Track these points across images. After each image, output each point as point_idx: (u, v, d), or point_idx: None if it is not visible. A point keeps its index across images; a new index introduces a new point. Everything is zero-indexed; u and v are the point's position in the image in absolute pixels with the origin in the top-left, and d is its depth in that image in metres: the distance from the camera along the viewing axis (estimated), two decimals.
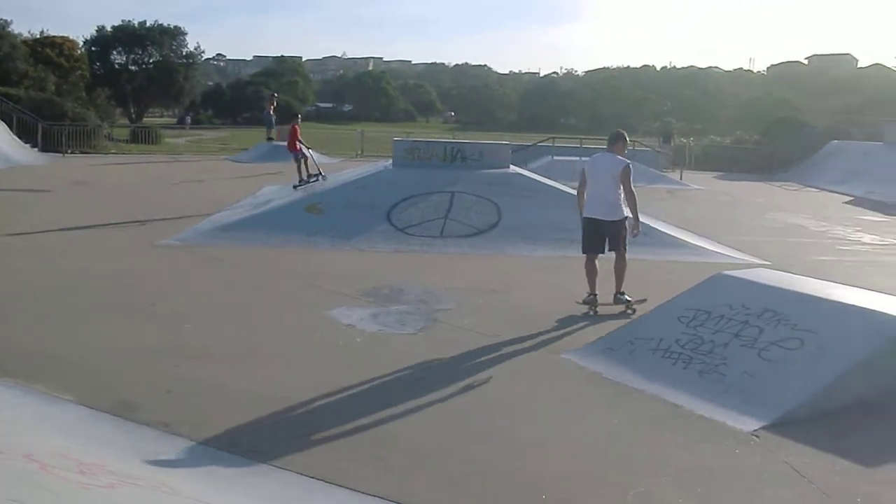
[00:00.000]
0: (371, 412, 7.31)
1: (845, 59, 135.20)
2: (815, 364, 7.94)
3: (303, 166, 21.94)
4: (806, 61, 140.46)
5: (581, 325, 10.40)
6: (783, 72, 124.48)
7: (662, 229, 17.45)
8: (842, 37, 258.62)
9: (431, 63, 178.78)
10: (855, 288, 10.23)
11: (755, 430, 7.19)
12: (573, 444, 6.91)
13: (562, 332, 10.17)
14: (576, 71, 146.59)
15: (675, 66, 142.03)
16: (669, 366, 8.51)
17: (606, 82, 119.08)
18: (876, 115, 47.85)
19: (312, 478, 6.05)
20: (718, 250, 16.41)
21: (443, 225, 16.50)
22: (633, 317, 10.55)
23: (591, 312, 11.02)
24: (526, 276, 13.66)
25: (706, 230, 18.69)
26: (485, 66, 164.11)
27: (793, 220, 23.27)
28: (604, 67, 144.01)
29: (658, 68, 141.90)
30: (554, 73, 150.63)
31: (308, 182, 21.44)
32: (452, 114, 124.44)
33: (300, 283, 12.43)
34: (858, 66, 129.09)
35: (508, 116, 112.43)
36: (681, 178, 34.51)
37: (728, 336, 8.58)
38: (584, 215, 11.28)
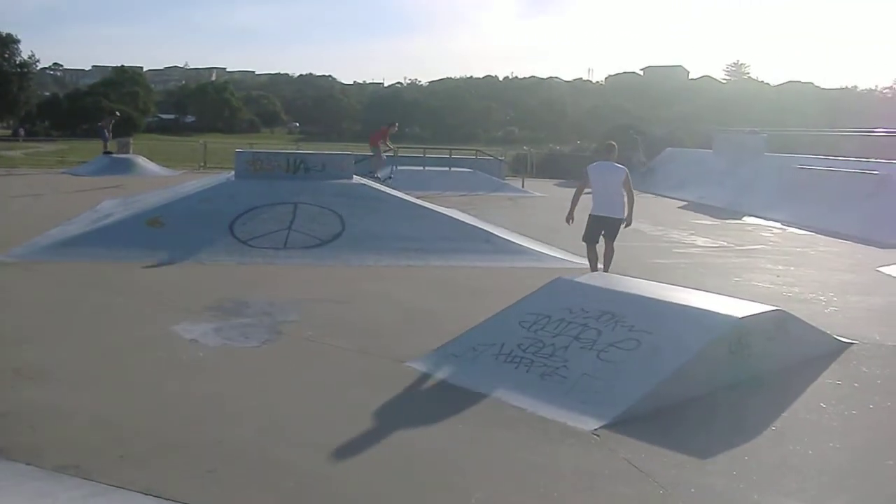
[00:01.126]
0: (214, 428, 7.19)
1: (678, 71, 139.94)
2: (651, 363, 8.23)
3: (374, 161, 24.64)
4: (641, 72, 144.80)
5: (425, 333, 10.46)
6: (620, 82, 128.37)
7: (504, 236, 17.74)
8: (674, 49, 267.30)
9: (275, 73, 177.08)
10: (688, 289, 10.67)
11: (595, 430, 7.37)
12: (417, 451, 6.93)
13: (406, 340, 10.18)
14: (420, 81, 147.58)
15: (517, 77, 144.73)
16: (512, 370, 8.65)
17: (450, 92, 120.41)
18: (706, 124, 49.72)
19: (156, 496, 5.92)
20: (558, 255, 16.74)
21: (286, 236, 16.34)
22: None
23: None
24: (370, 286, 13.66)
25: (547, 236, 19.03)
26: (329, 76, 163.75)
27: (631, 225, 23.89)
28: (448, 78, 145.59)
29: (501, 78, 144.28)
30: (398, 83, 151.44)
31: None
32: (297, 124, 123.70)
33: (142, 299, 12.12)
34: (690, 77, 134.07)
35: (353, 127, 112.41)
36: (523, 186, 35.05)
37: (568, 339, 8.79)
38: (592, 213, 13.38)
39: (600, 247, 13.43)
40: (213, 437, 6.99)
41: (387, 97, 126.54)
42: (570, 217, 13.67)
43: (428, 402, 8.17)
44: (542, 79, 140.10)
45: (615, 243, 13.41)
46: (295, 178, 18.27)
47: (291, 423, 7.45)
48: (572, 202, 13.68)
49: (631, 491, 6.34)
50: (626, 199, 13.27)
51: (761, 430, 7.62)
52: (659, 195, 34.34)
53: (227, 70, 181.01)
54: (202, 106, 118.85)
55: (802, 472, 6.75)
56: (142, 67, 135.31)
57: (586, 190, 13.56)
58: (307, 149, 37.14)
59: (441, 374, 8.85)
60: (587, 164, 14.12)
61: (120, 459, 6.49)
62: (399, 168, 32.45)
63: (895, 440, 7.64)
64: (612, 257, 13.37)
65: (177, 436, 6.99)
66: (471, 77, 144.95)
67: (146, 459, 6.52)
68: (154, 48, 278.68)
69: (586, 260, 13.66)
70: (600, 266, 13.34)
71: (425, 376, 8.87)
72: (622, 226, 13.32)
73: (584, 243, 13.64)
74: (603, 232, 13.36)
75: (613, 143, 14.27)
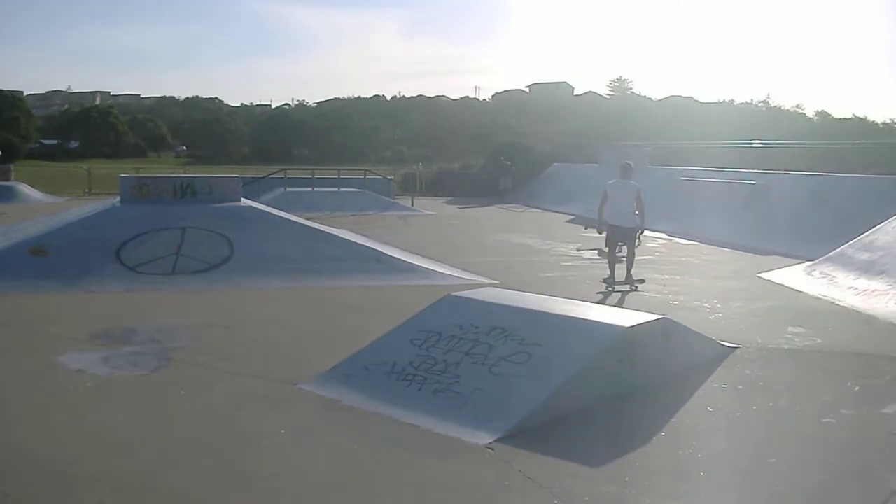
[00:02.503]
0: (103, 459, 7.04)
1: (562, 87, 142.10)
2: (542, 375, 8.33)
3: None
4: (527, 89, 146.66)
5: (317, 354, 10.40)
6: (506, 99, 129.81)
7: (395, 255, 17.78)
8: (559, 67, 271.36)
9: (161, 96, 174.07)
10: (577, 301, 10.85)
11: (490, 443, 7.41)
12: (311, 472, 6.90)
13: (298, 362, 10.11)
14: (307, 102, 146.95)
15: (404, 96, 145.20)
16: (405, 388, 8.66)
17: (338, 113, 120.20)
18: (591, 139, 50.63)
19: None
20: (449, 272, 16.85)
21: (175, 261, 16.09)
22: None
23: (611, 290, 15.52)
24: (260, 309, 13.55)
25: (437, 254, 19.16)
26: (216, 98, 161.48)
27: (519, 240, 24.25)
28: (335, 98, 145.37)
29: (388, 98, 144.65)
30: (286, 104, 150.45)
31: None
32: (185, 148, 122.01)
33: (26, 331, 11.79)
34: (574, 93, 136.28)
35: (241, 149, 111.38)
36: (412, 205, 35.22)
37: (459, 355, 8.84)
38: (610, 223, 15.80)
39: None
40: (103, 468, 6.84)
41: (275, 119, 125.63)
42: (600, 227, 16.13)
43: (321, 424, 8.13)
44: (430, 97, 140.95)
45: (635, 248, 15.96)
46: (182, 202, 18.01)
47: (183, 451, 7.33)
48: (599, 215, 16.12)
49: (526, 502, 6.41)
50: (639, 211, 15.75)
51: (651, 437, 7.77)
52: (546, 210, 34.87)
53: (112, 94, 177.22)
54: (86, 131, 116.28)
55: (692, 476, 6.92)
56: (22, 92, 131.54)
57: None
58: (195, 172, 36.83)
59: (334, 395, 8.81)
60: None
61: (5, 498, 6.31)
62: (288, 189, 32.32)
63: (779, 439, 7.87)
64: (632, 261, 15.83)
65: (64, 469, 6.83)
66: (358, 97, 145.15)
67: (33, 496, 6.36)
68: (34, 72, 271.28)
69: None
70: (619, 276, 15.74)
71: (318, 398, 8.83)
72: (638, 233, 15.93)
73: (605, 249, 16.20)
74: (620, 241, 15.83)
75: (630, 163, 16.66)
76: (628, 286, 15.66)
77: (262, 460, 7.10)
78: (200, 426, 8.00)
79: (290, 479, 6.73)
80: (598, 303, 12.18)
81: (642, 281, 15.92)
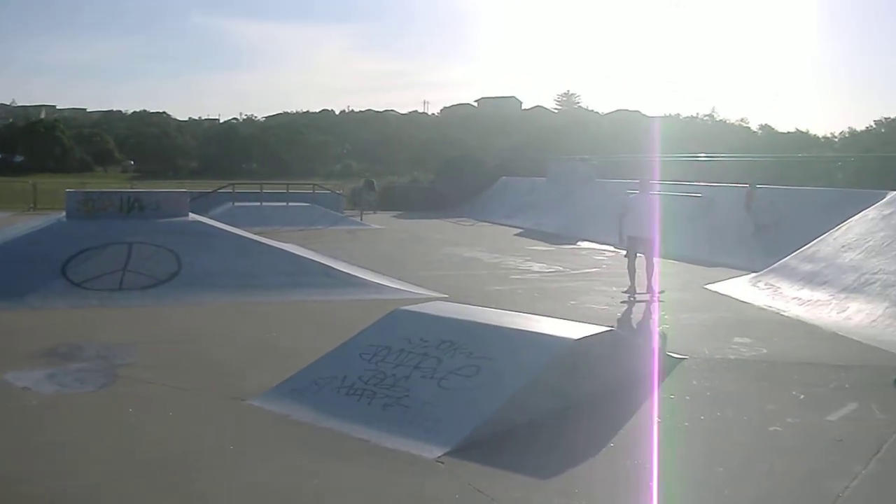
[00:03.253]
0: (51, 477, 6.96)
1: (511, 102, 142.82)
2: (491, 388, 8.37)
3: None
4: (475, 104, 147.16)
5: (266, 370, 10.35)
6: (455, 114, 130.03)
7: (344, 269, 17.76)
8: (507, 81, 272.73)
9: (108, 111, 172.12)
10: (526, 314, 10.91)
11: (440, 457, 7.43)
12: (262, 489, 6.85)
13: (247, 378, 10.06)
14: (256, 116, 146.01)
15: (353, 110, 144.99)
16: (355, 402, 8.66)
17: (287, 127, 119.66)
18: (539, 153, 50.94)
19: None
20: (398, 286, 16.87)
21: (121, 277, 15.92)
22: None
23: (631, 299, 16.13)
24: (209, 325, 13.46)
25: (386, 268, 19.17)
26: (164, 113, 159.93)
27: (468, 253, 24.32)
28: (284, 112, 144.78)
29: (337, 112, 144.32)
30: (234, 118, 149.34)
31: None
32: (132, 162, 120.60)
33: None
34: (523, 107, 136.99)
35: (189, 164, 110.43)
36: (361, 219, 35.22)
37: (409, 369, 8.86)
38: (628, 234, 16.52)
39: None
40: (49, 487, 6.76)
41: (223, 133, 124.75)
42: (620, 238, 16.95)
43: (271, 439, 8.09)
44: (378, 112, 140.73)
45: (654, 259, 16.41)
46: (129, 217, 17.84)
47: (131, 469, 7.26)
48: (619, 226, 16.84)
49: None
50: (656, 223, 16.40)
51: (600, 448, 7.84)
52: (495, 223, 35.00)
53: (58, 107, 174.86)
54: (32, 145, 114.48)
55: (641, 485, 6.97)
56: None
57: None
58: (142, 187, 36.39)
59: (283, 410, 8.78)
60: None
61: None
62: (236, 204, 32.19)
63: (726, 449, 7.97)
64: (652, 270, 16.34)
65: (9, 489, 6.74)
66: (307, 112, 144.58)
67: None
68: None
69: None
70: (639, 284, 16.46)
71: (267, 413, 8.79)
72: (654, 243, 16.42)
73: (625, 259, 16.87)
74: (640, 252, 16.44)
75: (648, 179, 17.73)
76: (649, 296, 16.18)
77: (212, 478, 7.06)
78: (148, 443, 7.93)
79: (241, 497, 6.70)
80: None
81: (663, 291, 16.38)
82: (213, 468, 7.26)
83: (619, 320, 14.13)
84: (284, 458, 7.54)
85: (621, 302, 16.04)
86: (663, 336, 12.78)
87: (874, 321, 13.45)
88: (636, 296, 16.25)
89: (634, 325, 14.08)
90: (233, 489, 6.82)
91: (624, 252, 16.98)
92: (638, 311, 15.06)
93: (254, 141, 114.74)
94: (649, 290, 16.25)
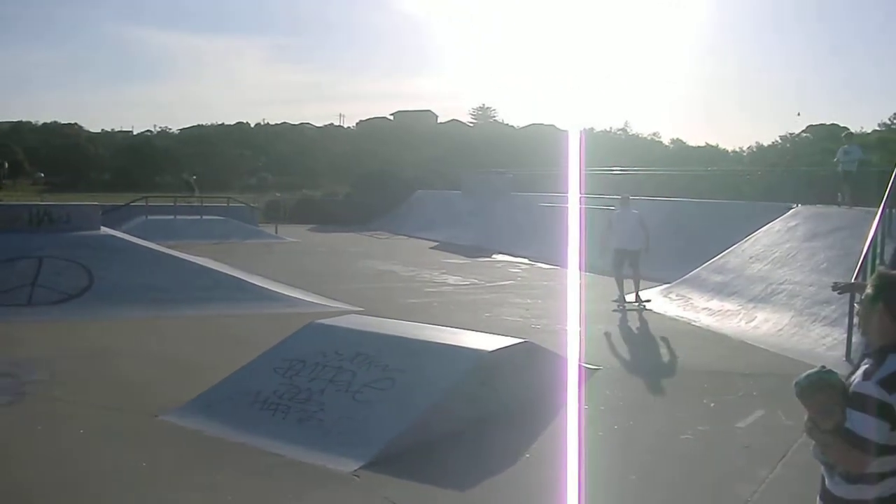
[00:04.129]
0: None
1: (427, 115, 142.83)
2: (406, 401, 8.39)
3: None
4: (391, 117, 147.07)
5: (179, 385, 10.22)
6: (371, 127, 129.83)
7: (258, 283, 17.64)
8: (423, 95, 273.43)
9: (17, 121, 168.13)
10: (440, 327, 10.95)
11: (355, 470, 7.43)
12: None
13: (160, 393, 9.91)
14: (171, 129, 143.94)
15: (269, 123, 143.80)
16: (269, 417, 8.61)
17: (202, 139, 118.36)
18: (455, 166, 51.18)
19: None
20: (312, 300, 16.81)
21: (30, 292, 15.61)
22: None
23: (620, 308, 16.81)
24: (121, 340, 13.23)
25: (301, 281, 19.08)
26: (75, 124, 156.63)
27: (384, 266, 24.32)
28: (199, 125, 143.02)
29: (252, 125, 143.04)
30: (148, 131, 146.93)
31: None
32: (42, 175, 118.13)
33: None
34: (438, 121, 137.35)
35: (102, 176, 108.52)
36: (276, 232, 35.00)
37: (324, 383, 8.84)
38: (615, 247, 17.31)
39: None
40: None
41: (137, 145, 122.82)
42: (604, 248, 17.75)
43: (184, 456, 8.00)
44: (294, 125, 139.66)
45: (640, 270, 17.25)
46: (38, 230, 17.47)
47: (40, 488, 7.13)
48: (602, 241, 17.75)
49: None
50: (643, 235, 17.29)
51: (517, 458, 7.92)
52: (411, 236, 35.04)
53: None
54: None
55: (558, 495, 7.04)
56: None
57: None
58: (52, 200, 35.68)
59: (197, 426, 8.69)
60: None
61: None
62: (150, 217, 31.78)
63: (639, 457, 8.10)
64: (639, 280, 17.34)
65: None
66: (222, 124, 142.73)
67: None
68: None
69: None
70: (629, 295, 17.18)
71: (180, 429, 8.69)
72: (642, 254, 17.19)
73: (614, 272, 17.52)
74: (627, 261, 17.18)
75: (628, 195, 18.84)
76: (638, 304, 17.04)
77: (125, 496, 6.96)
78: (59, 462, 7.78)
79: None
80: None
81: (649, 300, 17.35)
82: (125, 487, 7.15)
83: (533, 331, 14.24)
84: (198, 474, 7.47)
85: (612, 311, 16.58)
86: (578, 347, 12.91)
87: (780, 330, 13.80)
88: (625, 304, 16.96)
89: (549, 336, 14.19)
90: None
91: (613, 265, 17.66)
92: (552, 322, 15.17)
93: (168, 153, 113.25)
94: (637, 297, 17.19)
